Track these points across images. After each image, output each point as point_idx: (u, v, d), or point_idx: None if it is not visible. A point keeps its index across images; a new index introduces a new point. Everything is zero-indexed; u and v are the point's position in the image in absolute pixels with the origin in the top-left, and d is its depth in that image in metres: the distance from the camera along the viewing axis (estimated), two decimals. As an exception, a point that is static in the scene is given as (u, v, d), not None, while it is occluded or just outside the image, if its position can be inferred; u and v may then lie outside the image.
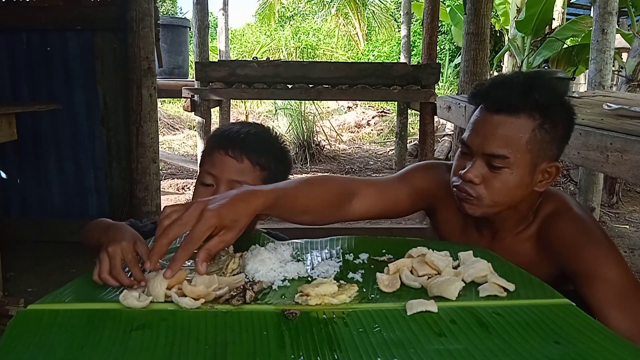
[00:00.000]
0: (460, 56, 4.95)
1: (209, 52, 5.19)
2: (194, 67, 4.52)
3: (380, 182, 1.24)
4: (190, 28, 6.24)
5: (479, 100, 1.14)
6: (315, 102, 6.88)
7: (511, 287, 0.86)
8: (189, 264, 0.98)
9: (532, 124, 1.07)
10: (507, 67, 6.94)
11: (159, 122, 3.69)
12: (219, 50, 8.61)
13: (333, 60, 12.26)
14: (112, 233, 0.97)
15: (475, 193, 1.10)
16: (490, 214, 1.13)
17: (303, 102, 6.66)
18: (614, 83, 4.85)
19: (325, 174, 5.88)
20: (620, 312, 1.00)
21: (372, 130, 8.74)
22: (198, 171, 1.20)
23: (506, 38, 7.11)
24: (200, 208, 0.82)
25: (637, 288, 1.03)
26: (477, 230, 1.22)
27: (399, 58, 7.51)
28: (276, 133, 1.23)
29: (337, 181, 1.16)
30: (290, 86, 4.18)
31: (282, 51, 12.61)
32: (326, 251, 1.04)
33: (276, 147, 1.19)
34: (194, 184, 1.23)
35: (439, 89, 9.51)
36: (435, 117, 4.09)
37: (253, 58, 5.54)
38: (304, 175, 5.86)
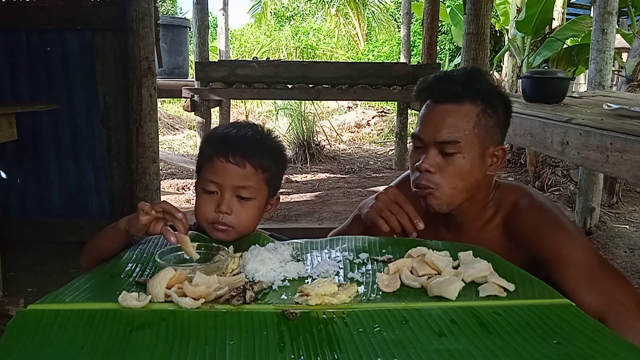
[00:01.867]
0: (460, 56, 4.95)
1: (209, 52, 5.19)
2: (194, 67, 4.53)
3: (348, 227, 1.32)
4: (190, 28, 6.25)
5: (425, 95, 1.21)
6: (315, 102, 6.88)
7: (511, 287, 0.86)
8: (190, 264, 0.98)
9: (476, 109, 1.15)
10: (507, 67, 6.94)
11: (159, 122, 3.69)
12: (219, 50, 8.61)
13: (333, 60, 12.25)
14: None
15: (433, 183, 1.15)
16: (454, 206, 1.18)
17: (303, 102, 6.66)
18: (614, 83, 4.85)
19: (321, 180, 5.87)
20: (590, 290, 1.04)
21: (372, 130, 8.74)
22: (196, 177, 1.19)
23: (506, 38, 7.11)
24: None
25: (603, 266, 1.09)
26: (445, 227, 1.25)
27: (399, 58, 7.51)
28: (270, 132, 1.22)
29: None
30: (290, 86, 4.19)
31: (282, 51, 12.61)
32: (326, 251, 1.04)
33: (274, 147, 1.19)
34: (193, 184, 1.22)
35: (439, 89, 9.47)
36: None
37: (253, 58, 5.54)
38: (303, 177, 5.85)
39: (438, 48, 5.57)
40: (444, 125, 1.14)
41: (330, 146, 7.28)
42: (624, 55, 5.31)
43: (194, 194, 1.24)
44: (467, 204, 1.19)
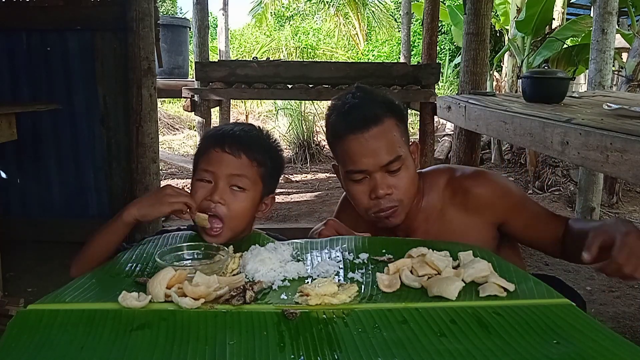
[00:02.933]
0: (460, 56, 4.94)
1: (209, 52, 5.19)
2: (194, 67, 4.52)
3: None
4: (190, 28, 6.24)
5: (340, 132, 1.20)
6: (315, 102, 6.88)
7: (511, 287, 0.86)
8: (190, 263, 0.98)
9: (393, 121, 1.21)
10: (507, 67, 6.93)
11: (159, 122, 3.69)
12: (219, 50, 8.61)
13: (333, 60, 12.25)
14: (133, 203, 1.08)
15: (395, 202, 1.19)
16: (406, 213, 1.23)
17: (303, 102, 6.65)
18: (614, 83, 4.84)
19: (321, 180, 5.87)
20: (546, 226, 1.22)
21: (372, 130, 8.72)
22: (192, 171, 1.19)
23: (506, 38, 7.10)
24: None
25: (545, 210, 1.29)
26: (396, 230, 1.27)
27: (399, 58, 7.50)
28: (269, 133, 1.23)
29: None
30: (290, 86, 4.18)
31: (282, 51, 12.61)
32: (326, 251, 1.04)
33: (271, 145, 1.20)
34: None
35: (439, 89, 9.50)
36: (435, 117, 4.09)
37: (253, 58, 5.53)
38: (303, 177, 5.84)
39: (438, 48, 5.56)
40: (381, 149, 1.17)
41: (330, 146, 7.27)
42: (624, 55, 5.31)
43: None
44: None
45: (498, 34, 8.69)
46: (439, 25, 6.89)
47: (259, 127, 1.23)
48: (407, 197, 1.21)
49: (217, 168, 1.10)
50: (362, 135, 1.17)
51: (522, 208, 1.25)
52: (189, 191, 1.15)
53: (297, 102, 6.65)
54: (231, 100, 5.50)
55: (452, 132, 4.20)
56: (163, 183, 4.91)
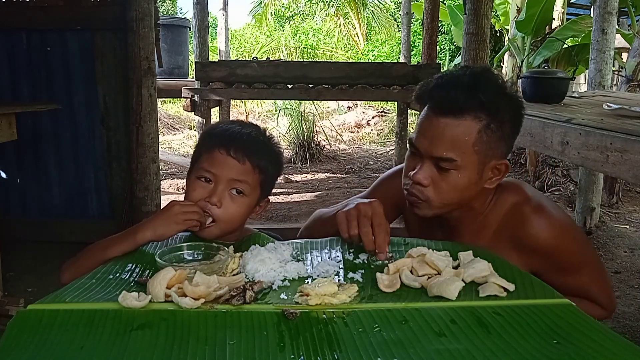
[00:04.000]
0: (460, 56, 4.95)
1: (209, 52, 5.19)
2: (194, 67, 4.52)
3: None
4: (190, 28, 6.24)
5: (424, 101, 1.13)
6: (315, 102, 6.88)
7: (511, 287, 0.86)
8: (190, 264, 0.98)
9: (478, 125, 1.06)
10: (507, 67, 6.93)
11: (159, 122, 3.69)
12: (219, 50, 8.60)
13: (333, 60, 12.25)
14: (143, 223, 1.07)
15: (423, 196, 1.10)
16: (441, 214, 1.14)
17: (303, 102, 6.65)
18: (614, 83, 4.84)
19: (321, 180, 5.87)
20: (600, 284, 1.15)
21: (372, 130, 8.73)
22: (191, 165, 1.18)
23: (506, 38, 7.10)
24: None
25: (599, 260, 1.21)
26: (440, 228, 1.22)
27: (399, 58, 7.50)
28: (272, 136, 1.23)
29: (316, 218, 1.33)
30: (290, 86, 4.18)
31: (282, 51, 12.61)
32: (326, 251, 1.04)
33: (274, 151, 1.19)
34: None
35: (439, 89, 9.47)
36: (435, 117, 4.08)
37: (253, 58, 5.53)
38: (303, 177, 5.84)
39: (438, 48, 5.56)
40: (441, 142, 1.06)
41: (330, 146, 7.28)
42: (624, 55, 5.31)
43: None
44: (461, 212, 1.15)
45: (498, 34, 8.70)
46: (439, 25, 6.90)
47: (262, 128, 1.22)
48: (439, 200, 1.10)
49: (220, 170, 1.10)
50: (435, 117, 1.08)
51: (569, 272, 1.11)
52: (186, 187, 1.15)
53: (297, 102, 6.65)
54: (231, 100, 5.50)
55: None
56: (163, 183, 4.91)
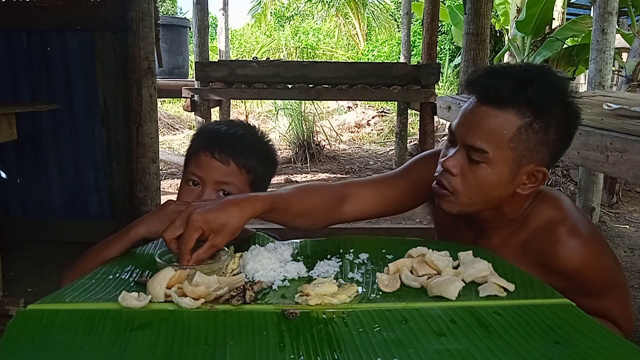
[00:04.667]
0: (460, 56, 4.95)
1: (209, 52, 5.19)
2: (194, 67, 4.53)
3: (377, 180, 1.23)
4: (190, 28, 6.25)
5: (471, 87, 1.07)
6: (315, 102, 6.88)
7: (511, 287, 0.86)
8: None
9: (520, 121, 0.99)
10: (507, 67, 6.93)
11: (159, 122, 3.69)
12: (219, 50, 8.61)
13: (333, 60, 12.25)
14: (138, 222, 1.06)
15: (450, 186, 1.04)
16: (467, 212, 1.09)
17: (303, 102, 6.66)
18: (614, 83, 4.85)
19: (321, 180, 5.87)
20: (622, 309, 1.10)
21: (372, 130, 8.73)
22: (184, 168, 1.20)
23: (506, 38, 7.11)
24: (187, 213, 0.90)
25: (626, 282, 1.15)
26: (466, 225, 1.17)
27: (399, 58, 7.50)
28: (262, 133, 1.22)
29: (330, 186, 1.17)
30: (290, 86, 4.18)
31: (282, 51, 12.61)
32: (326, 251, 1.04)
33: (262, 149, 1.19)
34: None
35: (439, 89, 9.50)
36: (435, 117, 4.09)
37: (253, 58, 5.54)
38: (303, 177, 5.85)
39: (438, 48, 5.57)
40: (477, 130, 1.01)
41: (330, 146, 7.28)
42: (624, 55, 5.31)
43: None
44: (490, 213, 1.09)
45: (498, 34, 8.70)
46: (439, 25, 6.90)
47: (254, 127, 1.22)
48: (465, 194, 1.04)
49: (205, 173, 1.11)
50: (478, 105, 1.02)
51: (592, 296, 1.06)
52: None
53: (297, 102, 6.65)
54: (231, 100, 5.50)
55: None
56: (163, 183, 4.91)
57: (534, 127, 1.00)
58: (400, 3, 10.25)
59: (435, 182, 1.08)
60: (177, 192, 1.16)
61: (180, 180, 1.21)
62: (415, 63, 7.23)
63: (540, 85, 0.99)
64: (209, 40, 5.30)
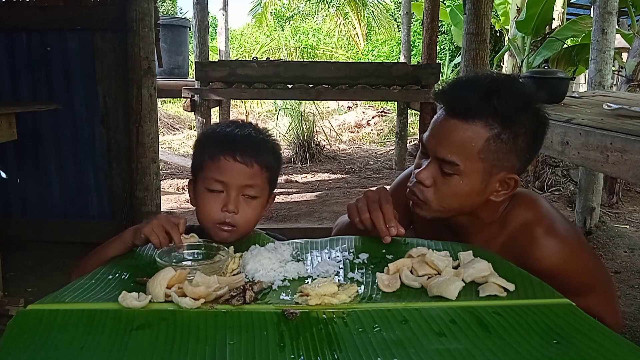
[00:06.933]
0: (460, 56, 4.95)
1: (209, 52, 5.19)
2: (194, 67, 4.53)
3: None
4: (190, 28, 6.25)
5: (440, 100, 1.09)
6: (315, 102, 6.88)
7: (511, 287, 0.86)
8: (190, 264, 0.98)
9: (488, 132, 1.02)
10: (507, 67, 6.94)
11: (159, 122, 3.69)
12: (219, 50, 8.61)
13: (333, 60, 12.25)
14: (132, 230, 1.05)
15: (423, 197, 1.08)
16: (442, 217, 1.12)
17: (303, 102, 6.66)
18: (614, 83, 4.85)
19: (321, 180, 5.87)
20: (607, 307, 1.11)
21: (372, 130, 8.73)
22: (193, 176, 1.17)
23: (506, 38, 7.11)
24: None
25: (610, 280, 1.17)
26: (447, 231, 1.19)
27: (399, 58, 7.50)
28: (267, 131, 1.22)
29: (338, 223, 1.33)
30: (290, 86, 4.19)
31: (282, 51, 12.61)
32: (326, 251, 1.04)
33: (274, 146, 1.19)
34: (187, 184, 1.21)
35: (439, 89, 9.47)
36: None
37: (253, 58, 5.54)
38: (303, 177, 5.84)
39: (438, 48, 5.57)
40: (447, 143, 1.04)
41: (330, 146, 7.28)
42: (624, 55, 5.31)
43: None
44: (466, 218, 1.12)
45: (498, 34, 8.70)
46: (439, 25, 6.90)
47: (256, 125, 1.22)
48: (438, 203, 1.07)
49: (229, 178, 1.08)
50: (446, 118, 1.05)
51: (574, 295, 0.98)
52: (192, 194, 1.15)
53: (297, 102, 6.65)
54: (231, 100, 5.51)
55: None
56: (163, 183, 4.91)
57: (502, 138, 1.03)
58: (400, 3, 10.25)
59: (408, 191, 1.12)
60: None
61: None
62: (415, 63, 7.23)
63: (506, 96, 1.02)
64: (209, 40, 5.30)
